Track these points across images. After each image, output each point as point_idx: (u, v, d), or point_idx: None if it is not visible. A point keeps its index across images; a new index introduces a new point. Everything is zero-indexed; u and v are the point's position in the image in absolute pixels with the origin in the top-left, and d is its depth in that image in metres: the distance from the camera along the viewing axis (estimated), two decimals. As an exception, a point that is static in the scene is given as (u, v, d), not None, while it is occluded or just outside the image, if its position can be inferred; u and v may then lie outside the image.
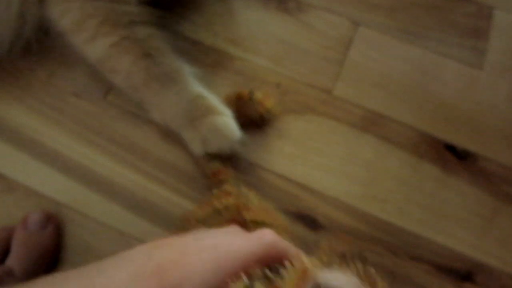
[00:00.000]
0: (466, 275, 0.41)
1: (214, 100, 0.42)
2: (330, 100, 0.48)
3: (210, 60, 0.49)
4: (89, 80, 0.47)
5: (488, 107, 0.50)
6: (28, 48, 0.47)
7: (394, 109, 0.48)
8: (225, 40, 0.51)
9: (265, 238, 0.26)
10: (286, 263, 0.23)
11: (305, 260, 0.23)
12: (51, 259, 0.39)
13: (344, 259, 0.24)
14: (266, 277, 0.23)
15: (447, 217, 0.43)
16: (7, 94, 0.46)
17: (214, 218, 0.37)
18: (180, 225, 0.39)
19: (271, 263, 0.25)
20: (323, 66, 0.50)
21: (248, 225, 0.35)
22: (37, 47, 0.47)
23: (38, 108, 0.46)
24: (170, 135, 0.44)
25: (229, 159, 0.42)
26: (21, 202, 0.42)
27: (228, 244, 0.25)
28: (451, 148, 0.47)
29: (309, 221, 0.42)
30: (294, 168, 0.45)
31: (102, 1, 0.40)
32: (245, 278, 0.23)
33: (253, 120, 0.45)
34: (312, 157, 0.45)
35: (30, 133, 0.45)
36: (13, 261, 0.37)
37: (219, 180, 0.41)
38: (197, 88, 0.42)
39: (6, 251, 0.37)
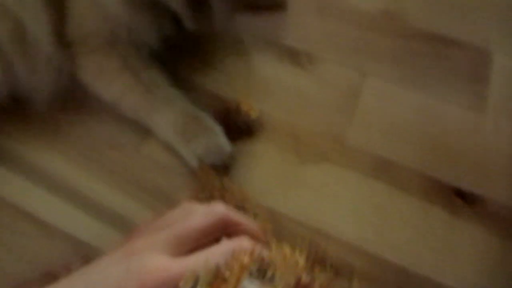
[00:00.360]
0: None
1: (206, 119, 0.49)
2: (343, 149, 0.52)
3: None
4: (123, 133, 0.52)
5: (492, 150, 0.52)
6: (67, 101, 0.52)
7: (403, 156, 0.51)
8: (244, 94, 0.55)
9: (216, 210, 0.33)
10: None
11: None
12: None
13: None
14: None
15: (458, 260, 0.45)
16: (47, 144, 0.51)
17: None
18: None
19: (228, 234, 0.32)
20: (335, 116, 0.54)
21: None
22: (75, 101, 0.52)
23: (76, 158, 0.50)
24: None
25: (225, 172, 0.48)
26: (59, 246, 0.46)
27: (187, 222, 0.32)
28: (459, 193, 0.49)
29: (324, 265, 0.45)
30: (309, 213, 0.48)
31: (114, 59, 0.50)
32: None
33: (242, 132, 0.51)
34: (327, 203, 0.48)
35: (68, 182, 0.49)
36: None
37: (208, 180, 0.46)
38: (190, 108, 0.50)
39: None
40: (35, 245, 0.46)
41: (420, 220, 0.48)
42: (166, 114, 0.49)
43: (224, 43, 0.60)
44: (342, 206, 0.48)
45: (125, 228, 0.46)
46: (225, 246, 0.30)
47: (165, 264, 0.28)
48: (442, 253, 0.46)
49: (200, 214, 0.32)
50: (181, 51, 0.58)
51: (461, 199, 0.49)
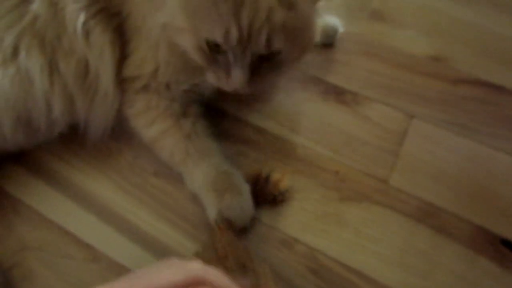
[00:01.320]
0: None
1: (236, 178, 0.49)
2: (386, 190, 0.51)
3: (275, 148, 0.54)
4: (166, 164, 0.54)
5: (544, 202, 0.51)
6: (119, 130, 0.55)
7: (448, 201, 0.50)
8: (288, 130, 0.56)
9: (190, 267, 0.32)
10: None
11: None
12: None
13: None
14: None
15: (506, 316, 0.44)
16: (97, 171, 0.53)
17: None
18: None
19: None
20: (379, 156, 0.54)
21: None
22: (126, 130, 0.55)
23: (123, 185, 0.52)
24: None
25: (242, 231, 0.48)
26: (104, 271, 0.47)
27: (159, 276, 0.31)
28: (507, 243, 0.47)
29: (366, 310, 0.44)
30: (351, 254, 0.47)
31: (162, 100, 0.52)
32: None
33: (267, 200, 0.50)
34: (369, 245, 0.48)
35: (115, 208, 0.51)
36: None
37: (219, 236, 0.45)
38: (224, 164, 0.51)
39: None
40: (80, 268, 0.48)
41: (467, 270, 0.46)
42: (200, 164, 0.50)
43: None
44: (384, 249, 0.48)
45: (166, 256, 0.47)
46: None
47: None
48: (489, 307, 0.44)
49: (173, 269, 0.32)
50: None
51: (510, 250, 0.47)
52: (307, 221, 0.50)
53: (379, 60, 0.62)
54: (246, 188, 0.48)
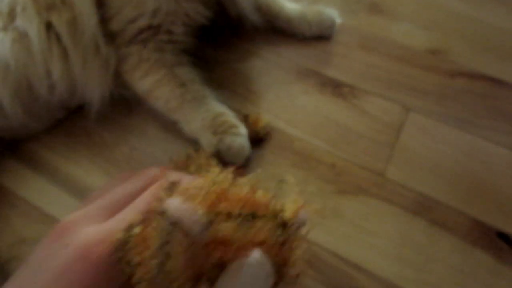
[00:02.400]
0: None
1: (233, 119, 0.52)
2: (383, 183, 0.51)
3: (272, 141, 0.54)
4: (165, 155, 0.53)
5: (541, 195, 0.51)
6: (113, 121, 0.55)
7: (445, 194, 0.50)
8: (285, 122, 0.56)
9: (148, 172, 0.34)
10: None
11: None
12: None
13: None
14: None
15: (502, 308, 0.44)
16: (94, 164, 0.53)
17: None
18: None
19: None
20: (375, 149, 0.54)
21: None
22: (121, 122, 0.55)
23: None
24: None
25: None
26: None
27: (118, 188, 0.32)
28: (503, 236, 0.48)
29: (362, 302, 0.44)
30: (348, 247, 0.47)
31: (153, 51, 0.53)
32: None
33: (252, 138, 0.52)
34: (365, 238, 0.48)
35: (111, 201, 0.51)
36: None
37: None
38: (220, 107, 0.53)
39: None
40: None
41: (462, 262, 0.46)
42: (197, 108, 0.52)
43: (268, 70, 0.61)
44: (380, 242, 0.48)
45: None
46: (144, 195, 0.31)
47: (98, 228, 0.28)
48: (485, 299, 0.44)
49: (133, 179, 0.33)
50: (223, 78, 0.60)
51: (505, 243, 0.47)
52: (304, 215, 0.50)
53: (376, 53, 0.62)
54: (243, 129, 0.51)
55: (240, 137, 0.50)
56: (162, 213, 0.24)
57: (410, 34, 0.65)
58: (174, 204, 0.25)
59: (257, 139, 0.53)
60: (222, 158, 0.49)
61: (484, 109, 0.57)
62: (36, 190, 0.52)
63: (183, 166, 0.44)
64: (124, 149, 0.54)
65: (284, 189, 0.30)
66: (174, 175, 0.31)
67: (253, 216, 0.26)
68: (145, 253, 0.25)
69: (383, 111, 0.57)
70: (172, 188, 0.27)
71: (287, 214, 0.28)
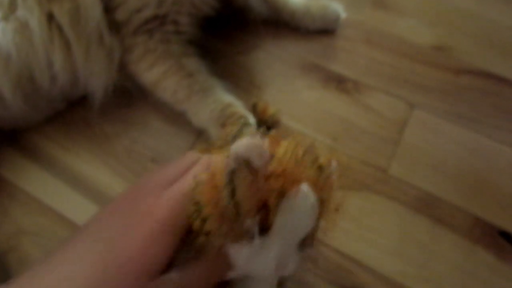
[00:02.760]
0: None
1: (242, 109, 0.51)
2: (385, 179, 0.51)
3: (274, 134, 0.54)
4: (165, 147, 0.53)
5: (543, 194, 0.50)
6: (115, 113, 0.54)
7: (447, 192, 0.50)
8: (288, 116, 0.55)
9: (193, 158, 0.36)
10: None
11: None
12: None
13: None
14: None
15: (502, 306, 0.44)
16: (94, 156, 0.53)
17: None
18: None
19: None
20: (379, 145, 0.53)
21: None
22: (122, 113, 0.55)
23: (120, 170, 0.52)
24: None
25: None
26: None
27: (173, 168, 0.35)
28: (505, 235, 0.47)
29: (363, 298, 0.44)
30: (349, 243, 0.47)
31: (159, 42, 0.52)
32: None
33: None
34: (367, 234, 0.48)
35: (111, 194, 0.50)
36: None
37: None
38: (228, 98, 0.52)
39: None
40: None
41: (464, 260, 0.46)
42: (205, 99, 0.51)
43: (272, 64, 0.60)
44: (382, 238, 0.47)
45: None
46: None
47: (162, 196, 0.32)
48: (485, 297, 0.44)
49: (181, 160, 0.36)
50: (226, 70, 0.59)
51: (508, 242, 0.47)
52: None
53: (381, 49, 0.62)
54: (251, 119, 0.50)
55: (248, 128, 0.49)
56: (234, 153, 0.29)
57: (415, 30, 0.64)
58: (241, 141, 0.29)
59: (266, 128, 0.52)
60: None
61: (488, 107, 0.57)
62: (35, 181, 0.51)
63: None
64: (124, 142, 0.54)
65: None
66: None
67: (303, 155, 0.32)
68: (214, 190, 0.29)
69: (387, 107, 0.56)
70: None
71: (323, 160, 0.34)
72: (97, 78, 0.52)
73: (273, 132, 0.35)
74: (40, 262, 0.30)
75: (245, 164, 0.29)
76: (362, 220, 0.48)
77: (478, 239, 0.47)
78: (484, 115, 0.56)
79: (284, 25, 0.64)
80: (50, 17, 0.47)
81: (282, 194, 0.30)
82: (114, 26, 0.51)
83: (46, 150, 0.53)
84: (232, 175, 0.28)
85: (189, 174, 0.33)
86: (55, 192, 0.50)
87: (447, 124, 0.55)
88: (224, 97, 0.52)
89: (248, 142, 0.30)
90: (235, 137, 0.46)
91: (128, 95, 0.55)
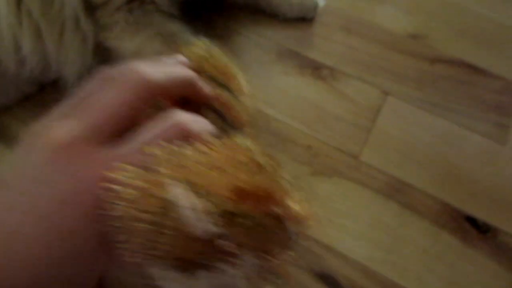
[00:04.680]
0: None
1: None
2: (357, 165, 0.51)
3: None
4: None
5: (510, 182, 0.51)
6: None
7: (417, 178, 0.51)
8: (263, 102, 0.55)
9: (138, 72, 0.24)
10: None
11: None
12: None
13: None
14: None
15: (465, 289, 0.45)
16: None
17: None
18: None
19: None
20: (352, 131, 0.54)
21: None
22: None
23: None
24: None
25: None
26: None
27: (109, 106, 0.24)
28: (471, 220, 0.48)
29: (331, 282, 0.45)
30: (319, 228, 0.47)
31: (140, 17, 0.52)
32: None
33: None
34: (337, 219, 0.48)
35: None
36: None
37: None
38: None
39: None
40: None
41: (431, 245, 0.47)
42: None
43: (248, 50, 0.60)
44: (352, 223, 0.48)
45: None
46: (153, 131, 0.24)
47: (109, 153, 0.23)
48: (450, 281, 0.45)
49: (119, 83, 0.24)
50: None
51: (473, 227, 0.48)
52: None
53: (358, 36, 0.62)
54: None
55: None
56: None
57: (392, 18, 0.64)
58: (179, 194, 0.22)
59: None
60: None
61: (461, 95, 0.57)
62: (6, 164, 0.50)
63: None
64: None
65: None
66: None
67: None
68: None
69: (362, 94, 0.57)
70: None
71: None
72: (71, 64, 0.51)
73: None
74: None
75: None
76: (333, 206, 0.49)
77: (445, 224, 0.48)
78: (456, 103, 0.57)
79: (263, 11, 0.63)
80: (19, 1, 0.46)
81: None
82: (89, 8, 0.50)
83: (16, 131, 0.52)
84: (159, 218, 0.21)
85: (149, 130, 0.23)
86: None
87: (420, 111, 0.56)
88: None
89: (186, 199, 0.21)
90: None
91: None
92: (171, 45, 0.51)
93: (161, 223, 0.21)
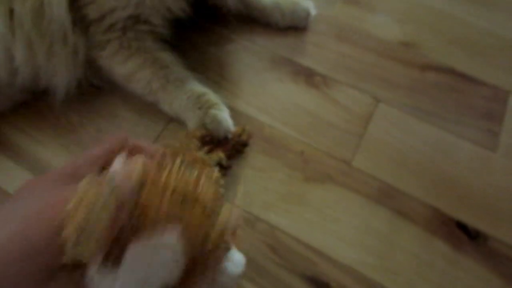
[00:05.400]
0: None
1: (216, 97, 0.53)
2: (349, 171, 0.52)
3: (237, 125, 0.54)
4: (132, 136, 0.53)
5: (500, 188, 0.52)
6: (80, 102, 0.54)
7: (409, 185, 0.51)
8: (256, 109, 0.56)
9: (115, 136, 0.34)
10: None
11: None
12: None
13: None
14: None
15: (456, 295, 0.45)
16: (59, 145, 0.52)
17: None
18: None
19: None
20: (344, 138, 0.54)
21: None
22: (88, 102, 0.54)
23: (85, 159, 0.51)
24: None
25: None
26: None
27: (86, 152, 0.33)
28: (462, 227, 0.49)
29: (323, 287, 0.45)
30: (312, 234, 0.48)
31: (133, 39, 0.53)
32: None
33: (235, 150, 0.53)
34: (329, 225, 0.48)
35: (76, 182, 0.50)
36: None
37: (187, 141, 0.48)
38: (203, 88, 0.54)
39: None
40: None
41: (421, 250, 0.47)
42: (182, 86, 0.52)
43: (242, 57, 0.61)
44: (344, 229, 0.48)
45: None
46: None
47: (52, 194, 0.29)
48: (440, 287, 0.45)
49: (96, 147, 0.33)
50: (197, 62, 0.59)
51: (464, 233, 0.48)
52: (270, 201, 0.50)
53: (350, 44, 0.63)
54: (225, 105, 0.52)
55: (223, 112, 0.51)
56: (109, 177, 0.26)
57: (384, 26, 0.65)
58: (116, 164, 0.27)
59: (242, 145, 0.52)
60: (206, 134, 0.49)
61: (451, 103, 0.58)
62: (0, 171, 0.50)
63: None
64: (90, 131, 0.53)
65: None
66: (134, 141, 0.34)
67: (183, 200, 0.26)
68: (83, 205, 0.25)
69: (354, 102, 0.57)
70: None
71: (215, 206, 0.29)
72: (59, 76, 0.51)
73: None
74: None
75: (113, 190, 0.25)
76: (325, 211, 0.49)
77: (436, 231, 0.49)
78: (447, 111, 0.57)
79: (256, 20, 0.64)
80: (11, 12, 0.47)
81: (138, 231, 0.26)
82: (80, 24, 0.51)
83: (10, 137, 0.53)
84: (99, 197, 0.25)
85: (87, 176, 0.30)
86: (17, 179, 0.50)
87: (411, 118, 0.56)
88: (199, 87, 0.53)
89: (120, 167, 0.27)
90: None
91: (95, 85, 0.55)
92: (160, 76, 0.53)
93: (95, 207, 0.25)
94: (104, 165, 0.31)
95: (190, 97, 0.52)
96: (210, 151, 0.48)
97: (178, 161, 0.28)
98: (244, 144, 0.52)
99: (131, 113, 0.55)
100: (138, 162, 0.27)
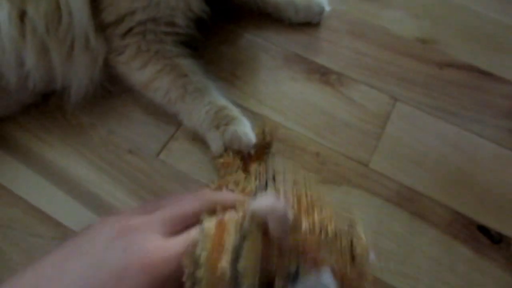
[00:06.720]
0: None
1: (235, 111, 0.50)
2: (366, 173, 0.50)
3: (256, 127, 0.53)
4: (144, 138, 0.52)
5: (523, 190, 0.50)
6: (91, 104, 0.53)
7: (428, 186, 0.50)
8: (270, 109, 0.54)
9: (204, 193, 0.36)
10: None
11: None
12: None
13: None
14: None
15: (479, 301, 0.44)
16: (69, 147, 0.51)
17: None
18: None
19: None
20: (361, 138, 0.53)
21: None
22: (98, 104, 0.53)
23: (96, 162, 0.50)
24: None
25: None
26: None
27: (180, 205, 0.33)
28: (484, 230, 0.47)
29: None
30: (328, 237, 0.47)
31: (152, 43, 0.51)
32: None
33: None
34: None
35: (87, 185, 0.49)
36: None
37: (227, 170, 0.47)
38: (223, 100, 0.51)
39: None
40: (49, 246, 0.45)
41: (442, 255, 0.46)
42: (200, 100, 0.50)
43: (255, 55, 0.59)
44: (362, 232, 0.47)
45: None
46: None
47: (163, 244, 0.29)
48: (462, 292, 0.44)
49: (191, 198, 0.34)
50: (209, 61, 0.58)
51: (486, 237, 0.47)
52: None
53: (365, 41, 0.61)
54: (245, 119, 0.50)
55: (242, 126, 0.49)
56: (251, 213, 0.25)
57: (400, 22, 0.63)
58: (262, 201, 0.26)
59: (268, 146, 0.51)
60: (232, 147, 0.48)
61: (471, 101, 0.56)
62: (8, 172, 0.50)
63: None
64: (101, 132, 0.52)
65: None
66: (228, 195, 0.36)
67: (336, 234, 0.27)
68: (217, 250, 0.25)
69: (370, 100, 0.56)
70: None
71: (359, 247, 0.29)
72: (78, 80, 0.50)
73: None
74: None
75: (259, 229, 0.25)
76: (342, 214, 0.48)
77: (457, 234, 0.47)
78: (466, 109, 0.55)
79: (268, 16, 0.62)
80: (23, 15, 0.45)
81: (295, 274, 0.25)
82: (100, 28, 0.49)
83: (20, 140, 0.52)
84: (241, 239, 0.25)
85: (196, 227, 0.30)
86: (28, 183, 0.49)
87: (430, 118, 0.55)
88: (219, 99, 0.51)
89: (270, 204, 0.25)
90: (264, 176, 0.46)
91: (106, 88, 0.54)
92: (179, 86, 0.51)
93: (243, 246, 0.26)
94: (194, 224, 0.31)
95: (209, 111, 0.49)
96: (248, 166, 0.47)
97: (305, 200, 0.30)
98: (269, 145, 0.51)
99: (142, 113, 0.53)
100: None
